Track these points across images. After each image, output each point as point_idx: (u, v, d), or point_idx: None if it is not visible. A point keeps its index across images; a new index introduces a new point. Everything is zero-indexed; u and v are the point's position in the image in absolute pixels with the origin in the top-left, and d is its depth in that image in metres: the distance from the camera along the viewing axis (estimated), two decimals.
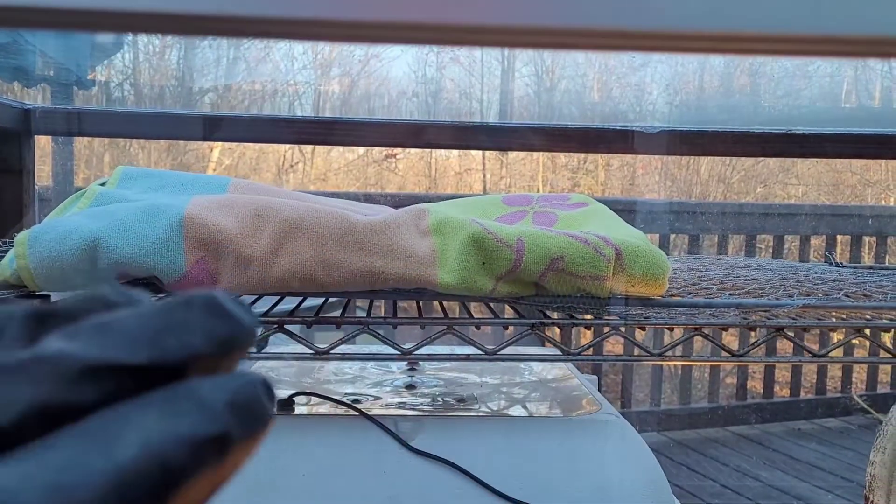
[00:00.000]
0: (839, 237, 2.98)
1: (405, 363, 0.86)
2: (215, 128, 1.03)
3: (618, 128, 1.05)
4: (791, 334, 0.62)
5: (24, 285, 0.60)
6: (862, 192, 5.80)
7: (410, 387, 0.76)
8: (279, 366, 0.84)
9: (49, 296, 0.60)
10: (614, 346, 3.26)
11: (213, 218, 0.58)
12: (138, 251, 0.57)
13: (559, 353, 0.60)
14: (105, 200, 0.66)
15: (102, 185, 0.76)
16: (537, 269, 0.59)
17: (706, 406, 2.82)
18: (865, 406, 2.85)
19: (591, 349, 0.61)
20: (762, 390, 2.95)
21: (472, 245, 0.59)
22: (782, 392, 3.02)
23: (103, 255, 0.56)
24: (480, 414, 0.68)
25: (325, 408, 0.69)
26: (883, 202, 5.77)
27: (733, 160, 6.36)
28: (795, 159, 7.51)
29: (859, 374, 3.20)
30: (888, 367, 3.09)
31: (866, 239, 3.06)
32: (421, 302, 0.71)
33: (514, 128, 1.05)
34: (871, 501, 0.70)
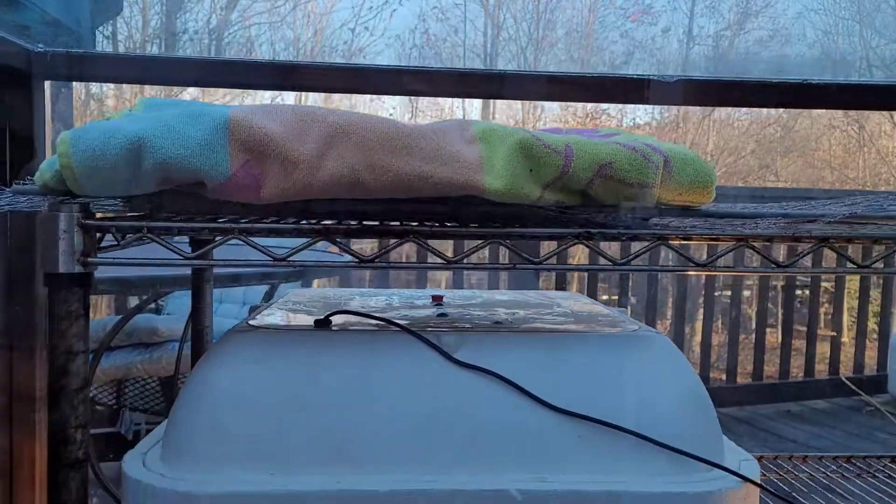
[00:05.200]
0: None
1: (431, 301, 0.85)
2: (229, 73, 1.01)
3: (634, 77, 1.05)
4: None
5: (65, 191, 0.58)
6: (840, 189, 5.89)
7: (442, 316, 0.76)
8: (306, 300, 0.83)
9: (88, 203, 0.58)
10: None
11: (258, 121, 0.57)
12: (184, 151, 0.55)
13: (609, 263, 0.60)
14: (141, 110, 0.65)
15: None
16: (585, 176, 0.59)
17: None
18: (854, 388, 2.88)
19: (638, 259, 0.60)
20: (751, 372, 2.98)
21: (520, 151, 0.58)
22: (771, 374, 3.05)
23: (148, 156, 0.55)
24: (522, 330, 0.68)
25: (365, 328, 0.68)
26: None
27: (715, 158, 6.44)
28: (776, 157, 7.60)
29: (845, 362, 3.24)
30: (874, 352, 3.13)
31: None
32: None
33: (531, 76, 1.05)
34: None
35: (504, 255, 2.75)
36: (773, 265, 0.61)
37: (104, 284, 1.14)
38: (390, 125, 0.58)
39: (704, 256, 0.61)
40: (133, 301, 2.36)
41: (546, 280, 3.45)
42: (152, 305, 2.28)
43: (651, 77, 1.04)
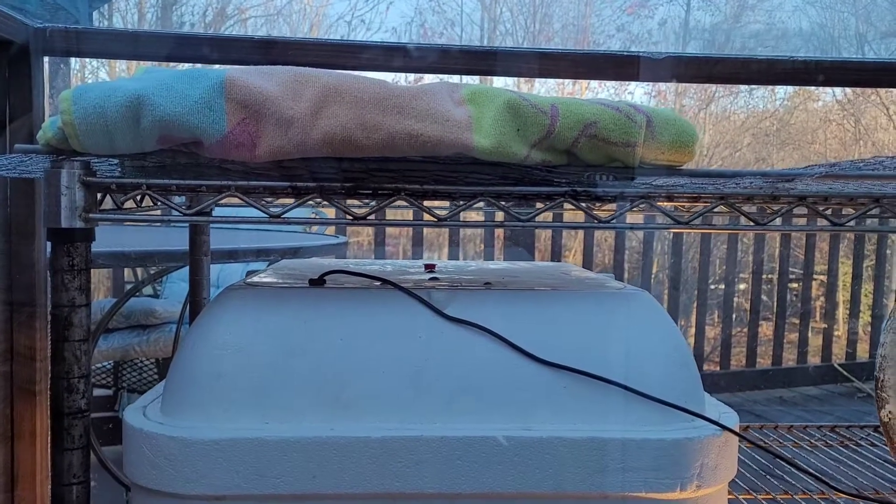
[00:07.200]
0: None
1: (423, 269, 0.87)
2: (225, 49, 1.03)
3: (625, 54, 1.07)
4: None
5: (67, 149, 0.60)
6: None
7: (434, 280, 0.78)
8: (300, 267, 0.85)
9: (89, 161, 0.60)
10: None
11: (253, 80, 0.59)
12: (182, 109, 0.57)
13: (595, 221, 0.62)
14: (142, 74, 0.66)
15: None
16: (571, 135, 0.61)
17: None
18: (847, 374, 2.91)
19: (621, 218, 0.62)
20: (744, 360, 3.00)
21: (508, 111, 0.60)
22: (763, 361, 3.07)
23: (147, 113, 0.57)
24: (511, 288, 0.70)
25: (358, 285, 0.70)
26: None
27: (708, 154, 6.47)
28: (772, 151, 7.63)
29: (839, 348, 3.26)
30: (867, 339, 3.16)
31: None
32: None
33: (524, 53, 1.06)
34: (882, 380, 0.72)
35: (493, 218, 2.76)
36: (752, 223, 0.63)
37: (102, 258, 1.16)
38: (382, 86, 0.60)
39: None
40: (129, 285, 2.38)
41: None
42: (150, 291, 2.30)
43: (640, 55, 1.06)
